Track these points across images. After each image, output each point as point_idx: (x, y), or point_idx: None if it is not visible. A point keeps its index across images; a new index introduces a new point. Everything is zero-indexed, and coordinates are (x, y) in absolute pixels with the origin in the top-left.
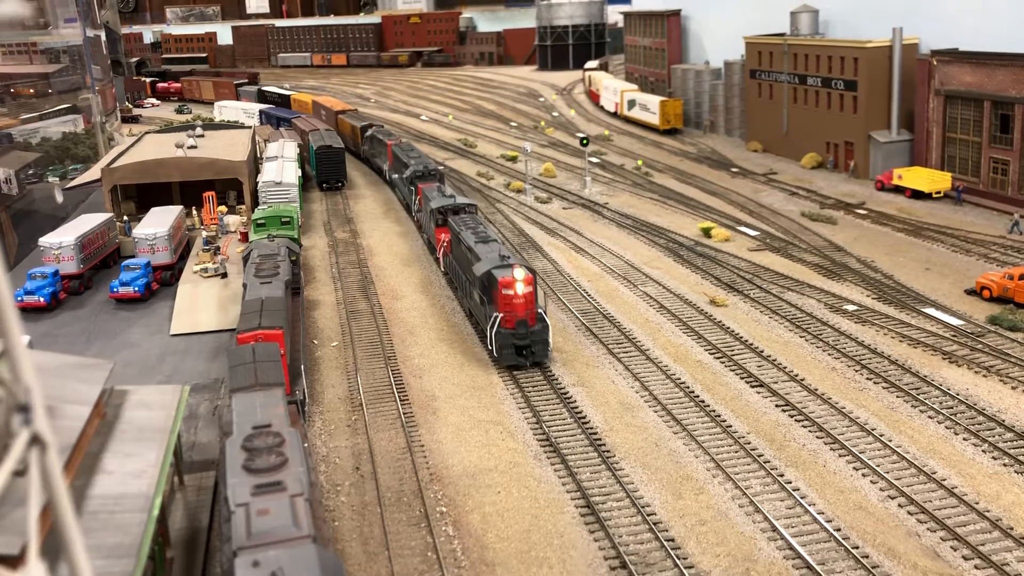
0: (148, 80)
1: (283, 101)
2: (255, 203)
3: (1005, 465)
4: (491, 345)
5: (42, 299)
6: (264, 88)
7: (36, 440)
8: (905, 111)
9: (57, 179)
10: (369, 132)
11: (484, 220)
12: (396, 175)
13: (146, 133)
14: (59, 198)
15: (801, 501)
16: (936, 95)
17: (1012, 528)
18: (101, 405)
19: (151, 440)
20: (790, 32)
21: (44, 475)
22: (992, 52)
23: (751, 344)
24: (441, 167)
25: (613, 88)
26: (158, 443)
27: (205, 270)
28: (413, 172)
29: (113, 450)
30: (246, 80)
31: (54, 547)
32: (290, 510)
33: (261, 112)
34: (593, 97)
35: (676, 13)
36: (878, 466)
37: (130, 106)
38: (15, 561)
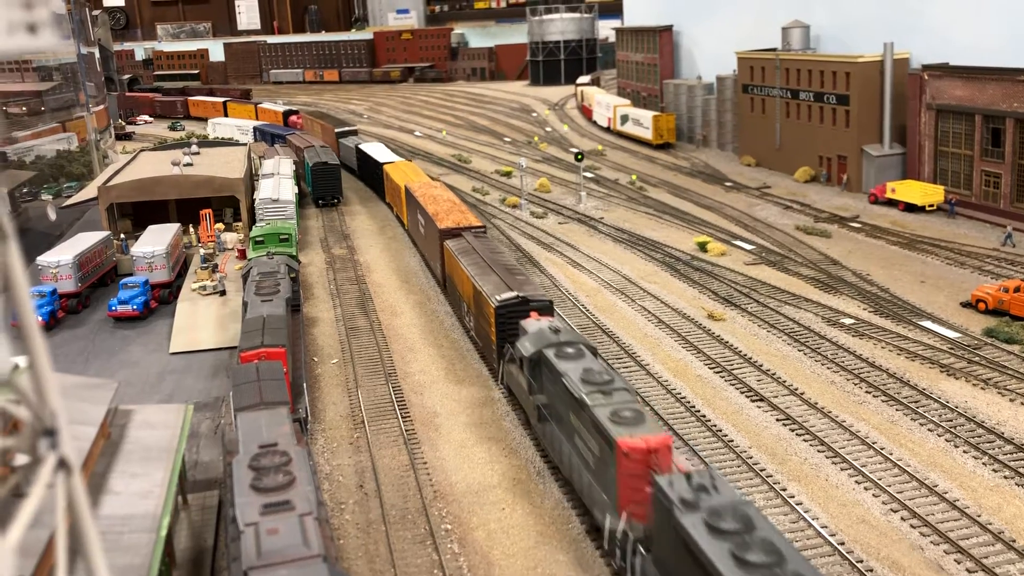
0: (282, 111)
1: (375, 167)
2: (252, 220)
3: (1006, 477)
4: None
5: (40, 318)
6: (362, 146)
7: (62, 464)
8: (897, 125)
9: (50, 197)
10: (532, 353)
11: None
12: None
13: (141, 151)
14: (52, 216)
15: (804, 515)
16: (927, 109)
17: (1015, 540)
18: (106, 425)
19: (157, 460)
20: (782, 47)
21: (69, 499)
22: (983, 67)
23: (750, 358)
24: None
25: (606, 103)
26: (164, 463)
27: (203, 288)
28: None
29: (119, 470)
30: (348, 130)
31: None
32: (300, 529)
33: (255, 129)
34: (586, 112)
35: (668, 29)
36: (880, 479)
37: (123, 123)
38: None
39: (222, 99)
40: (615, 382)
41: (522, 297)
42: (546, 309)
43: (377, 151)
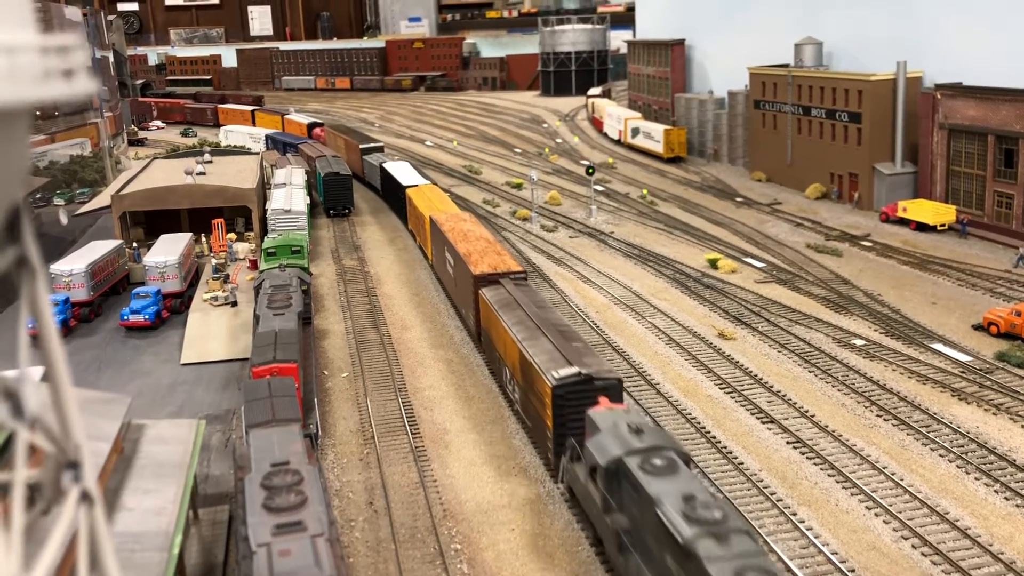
0: (307, 123)
1: (398, 189)
2: (263, 230)
3: (1018, 506)
4: None
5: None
6: (386, 166)
7: (85, 497)
8: (909, 144)
9: (63, 202)
10: (609, 462)
11: None
12: None
13: (154, 158)
14: (63, 220)
15: (815, 541)
16: (940, 128)
17: None
18: (120, 440)
19: (170, 476)
20: (794, 63)
21: (91, 531)
22: (996, 87)
23: (760, 379)
24: None
25: (617, 116)
26: (176, 479)
27: (215, 298)
28: None
29: (132, 487)
30: (373, 146)
31: None
32: (312, 551)
33: (267, 137)
34: (596, 124)
35: (680, 43)
36: (891, 505)
37: (135, 128)
38: None
39: (250, 108)
40: (729, 520)
41: (586, 375)
42: (615, 390)
43: (401, 172)
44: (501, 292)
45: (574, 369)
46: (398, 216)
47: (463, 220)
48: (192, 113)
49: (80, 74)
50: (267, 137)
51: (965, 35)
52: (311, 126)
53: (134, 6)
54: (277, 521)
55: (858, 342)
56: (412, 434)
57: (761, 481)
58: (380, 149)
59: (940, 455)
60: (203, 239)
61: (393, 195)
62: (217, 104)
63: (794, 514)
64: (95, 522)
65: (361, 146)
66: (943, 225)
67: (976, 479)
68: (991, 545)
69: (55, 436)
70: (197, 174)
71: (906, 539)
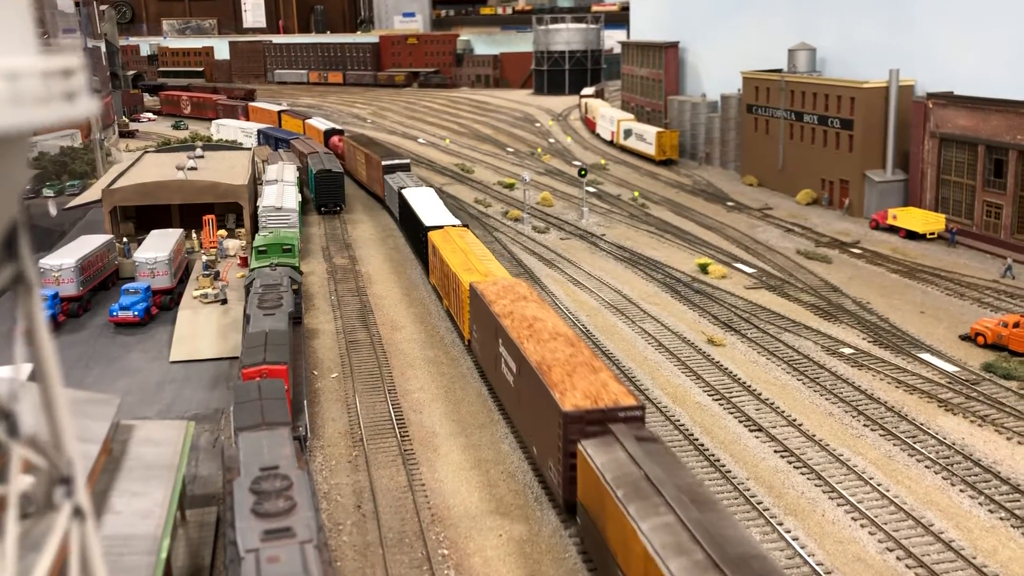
0: (324, 129)
1: (418, 228)
2: (254, 227)
3: (1001, 519)
4: None
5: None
6: (405, 192)
7: (77, 512)
8: (900, 152)
9: (52, 194)
10: None
11: None
12: None
13: (145, 152)
14: (53, 212)
15: (801, 551)
16: (931, 137)
17: None
18: (108, 442)
19: (158, 478)
20: (787, 69)
21: (82, 546)
22: (987, 98)
23: (749, 386)
24: None
25: (610, 117)
26: (165, 481)
27: (205, 296)
28: None
29: (120, 489)
30: (397, 163)
31: None
32: (300, 557)
33: (259, 132)
34: (589, 124)
35: (674, 45)
36: (876, 517)
37: (127, 120)
38: None
39: (278, 109)
40: None
41: None
42: None
43: (424, 203)
44: (618, 457)
45: None
46: (421, 262)
47: (522, 297)
48: (224, 110)
49: (82, 95)
50: (259, 132)
51: (957, 45)
52: (328, 133)
53: None
54: (266, 526)
55: (846, 351)
56: (401, 437)
57: (748, 490)
58: (406, 167)
59: (926, 466)
60: (194, 235)
61: (413, 233)
62: (248, 103)
63: (780, 524)
64: (86, 537)
65: (384, 162)
66: (932, 234)
67: (961, 491)
68: (975, 558)
69: (48, 452)
70: (188, 169)
71: (891, 551)
